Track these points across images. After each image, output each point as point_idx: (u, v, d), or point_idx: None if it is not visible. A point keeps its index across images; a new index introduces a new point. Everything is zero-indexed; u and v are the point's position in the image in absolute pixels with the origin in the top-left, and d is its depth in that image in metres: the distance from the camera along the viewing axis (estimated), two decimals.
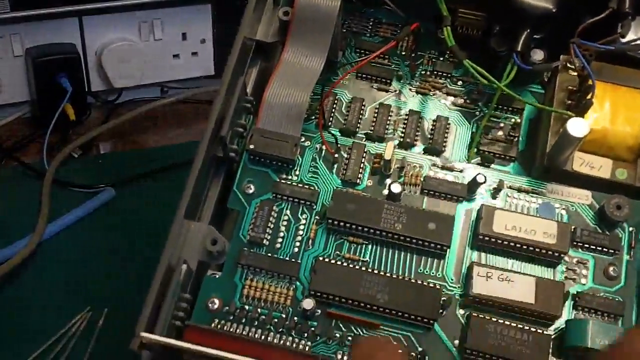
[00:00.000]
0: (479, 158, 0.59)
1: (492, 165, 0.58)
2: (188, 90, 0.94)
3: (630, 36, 0.57)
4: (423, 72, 0.62)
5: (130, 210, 0.81)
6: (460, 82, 0.62)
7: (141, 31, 0.88)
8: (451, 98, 0.61)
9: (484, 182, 0.55)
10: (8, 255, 0.74)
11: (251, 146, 0.55)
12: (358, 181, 0.56)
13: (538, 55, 0.58)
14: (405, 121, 0.59)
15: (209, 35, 0.91)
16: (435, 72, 0.62)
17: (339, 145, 0.57)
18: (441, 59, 0.63)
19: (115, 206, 0.82)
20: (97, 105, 0.92)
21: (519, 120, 0.60)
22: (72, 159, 0.86)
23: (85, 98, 0.90)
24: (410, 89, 0.62)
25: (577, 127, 0.52)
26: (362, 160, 0.56)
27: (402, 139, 0.59)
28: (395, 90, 0.61)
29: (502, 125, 0.60)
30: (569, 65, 0.57)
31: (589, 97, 0.53)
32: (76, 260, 0.77)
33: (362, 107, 0.60)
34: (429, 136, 0.59)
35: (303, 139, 0.57)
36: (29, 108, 0.90)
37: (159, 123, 0.93)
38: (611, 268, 0.53)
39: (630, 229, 0.54)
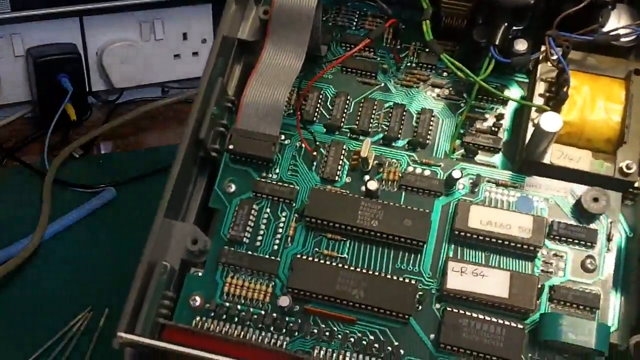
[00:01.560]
0: (463, 150, 0.59)
1: (477, 158, 0.58)
2: (189, 91, 0.94)
3: (611, 25, 0.56)
4: (408, 64, 0.62)
5: (131, 210, 0.80)
6: (445, 74, 0.62)
7: (142, 31, 0.88)
8: (437, 90, 0.61)
9: (461, 177, 0.55)
10: (9, 255, 0.74)
11: (230, 146, 0.56)
12: (337, 178, 0.56)
13: (521, 45, 0.58)
14: (390, 115, 0.60)
15: (210, 35, 0.91)
16: (420, 64, 0.62)
17: (317, 143, 0.58)
18: (426, 50, 0.62)
19: (116, 206, 0.82)
20: (98, 105, 0.93)
21: (504, 111, 0.60)
22: (73, 159, 0.86)
23: (86, 98, 0.90)
24: (395, 82, 0.62)
25: (550, 121, 0.51)
26: (341, 158, 0.57)
27: (386, 133, 0.59)
28: (381, 84, 0.62)
29: (487, 116, 0.60)
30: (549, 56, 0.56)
31: (564, 89, 0.53)
32: (77, 260, 0.76)
33: (347, 102, 0.60)
34: (414, 129, 0.59)
35: (283, 137, 0.58)
36: (30, 108, 0.90)
37: (160, 123, 0.93)
38: (588, 261, 0.53)
39: (609, 220, 0.54)
